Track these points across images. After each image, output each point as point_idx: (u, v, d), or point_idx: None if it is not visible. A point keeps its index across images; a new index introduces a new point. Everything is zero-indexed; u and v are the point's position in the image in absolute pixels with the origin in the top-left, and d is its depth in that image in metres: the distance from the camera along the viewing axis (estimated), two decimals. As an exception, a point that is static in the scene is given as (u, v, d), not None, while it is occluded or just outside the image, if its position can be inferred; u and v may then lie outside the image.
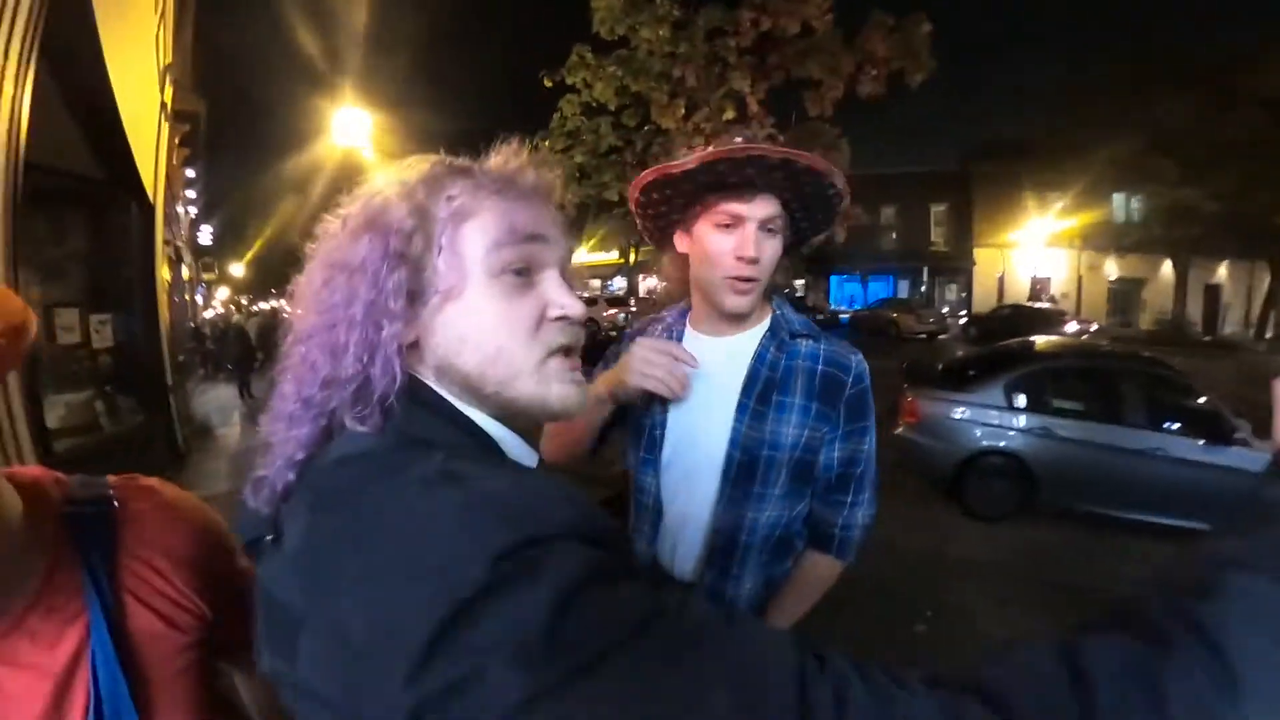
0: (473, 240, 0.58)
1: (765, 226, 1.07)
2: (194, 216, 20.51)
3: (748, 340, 1.19)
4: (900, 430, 5.16)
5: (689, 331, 1.26)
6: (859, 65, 3.68)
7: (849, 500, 1.17)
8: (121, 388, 5.38)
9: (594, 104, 4.08)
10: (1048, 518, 4.66)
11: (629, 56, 3.89)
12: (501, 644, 0.36)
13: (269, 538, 0.55)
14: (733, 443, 1.13)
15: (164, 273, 7.03)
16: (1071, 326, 18.03)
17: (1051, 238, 25.38)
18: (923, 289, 28.86)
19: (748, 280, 1.08)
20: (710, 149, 1.03)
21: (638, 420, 1.25)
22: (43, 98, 2.48)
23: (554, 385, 0.60)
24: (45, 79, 2.52)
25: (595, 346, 1.34)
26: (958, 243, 27.98)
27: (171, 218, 9.36)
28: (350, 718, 0.41)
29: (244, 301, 36.56)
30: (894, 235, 29.94)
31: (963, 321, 21.31)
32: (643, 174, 1.14)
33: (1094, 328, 18.92)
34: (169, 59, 6.38)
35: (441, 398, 0.58)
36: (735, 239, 1.07)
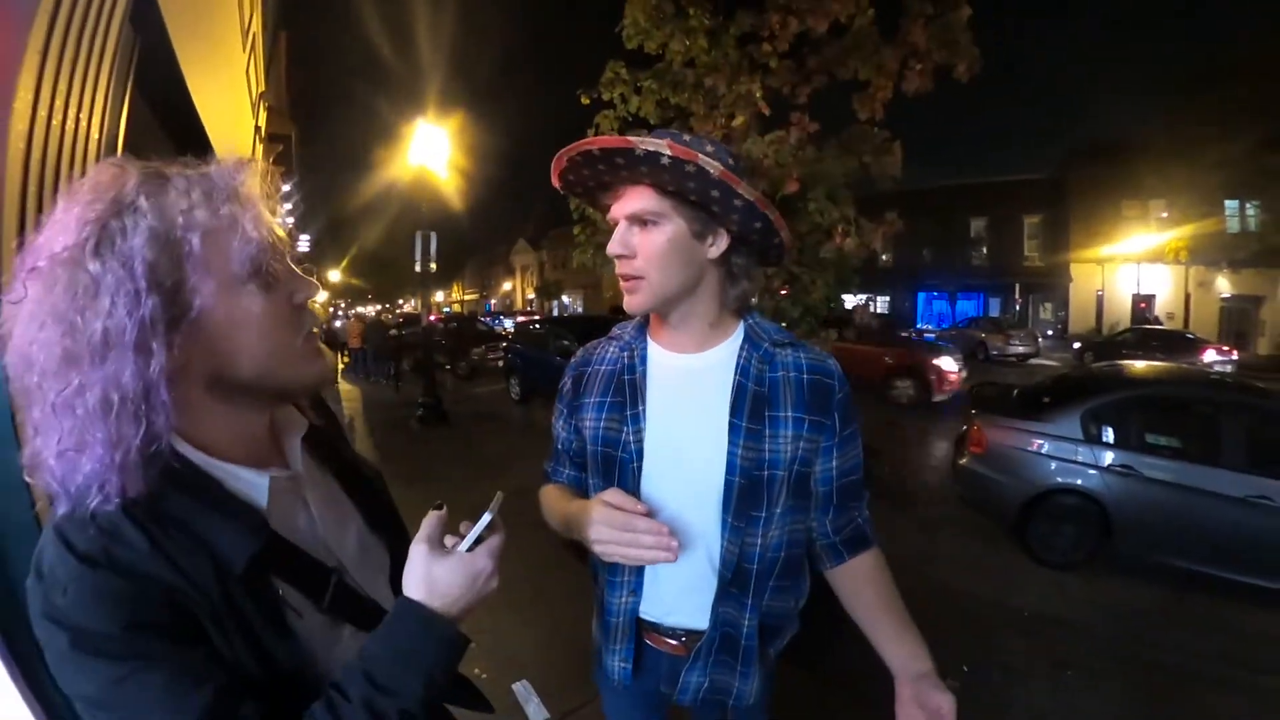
0: (218, 252, 0.62)
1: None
2: (291, 227, 22.95)
3: (723, 354, 1.12)
4: (965, 461, 4.81)
5: (653, 349, 1.17)
6: (904, 61, 3.45)
7: (861, 503, 1.18)
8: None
9: (630, 118, 4.04)
10: (1126, 571, 4.14)
11: (664, 69, 3.83)
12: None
13: None
14: (730, 468, 1.05)
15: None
16: (1209, 355, 15.32)
17: (1155, 251, 22.90)
18: (1016, 307, 27.18)
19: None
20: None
21: (604, 453, 1.16)
22: (145, 127, 2.85)
23: (314, 363, 0.72)
24: (145, 112, 2.89)
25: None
26: (1053, 257, 26.13)
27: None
28: None
29: (341, 305, 39.37)
30: (984, 249, 28.51)
31: (1076, 346, 19.02)
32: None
33: (1235, 357, 15.79)
34: (262, 88, 6.94)
35: (192, 470, 0.65)
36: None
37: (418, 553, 0.73)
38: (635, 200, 1.02)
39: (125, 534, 0.58)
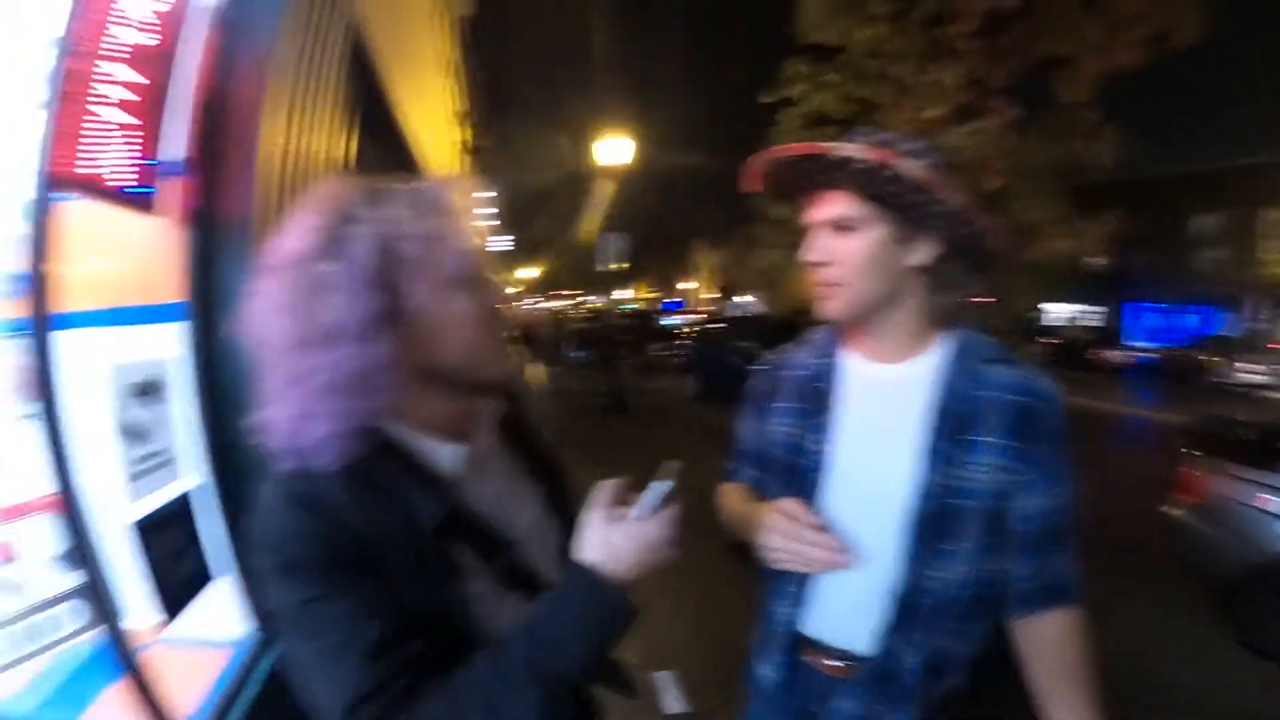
0: (431, 259, 0.71)
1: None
2: (490, 230, 25.51)
3: (923, 366, 1.03)
4: (1174, 510, 4.01)
5: (848, 357, 1.11)
6: (1111, 31, 2.98)
7: (1066, 552, 1.04)
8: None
9: (814, 115, 3.94)
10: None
11: (846, 61, 3.68)
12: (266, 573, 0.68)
13: None
14: (920, 492, 0.98)
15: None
16: None
17: None
18: (1251, 324, 21.45)
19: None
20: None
21: (786, 460, 1.12)
22: (359, 145, 3.54)
23: (505, 362, 0.83)
24: (361, 133, 3.55)
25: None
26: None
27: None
28: None
29: (531, 300, 42.84)
30: (1212, 252, 23.09)
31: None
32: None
33: None
34: (459, 105, 7.90)
35: (393, 439, 0.74)
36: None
37: (594, 517, 0.75)
38: (833, 206, 0.98)
39: (332, 485, 0.68)
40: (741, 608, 1.32)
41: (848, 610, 1.07)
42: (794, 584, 1.11)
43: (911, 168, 0.89)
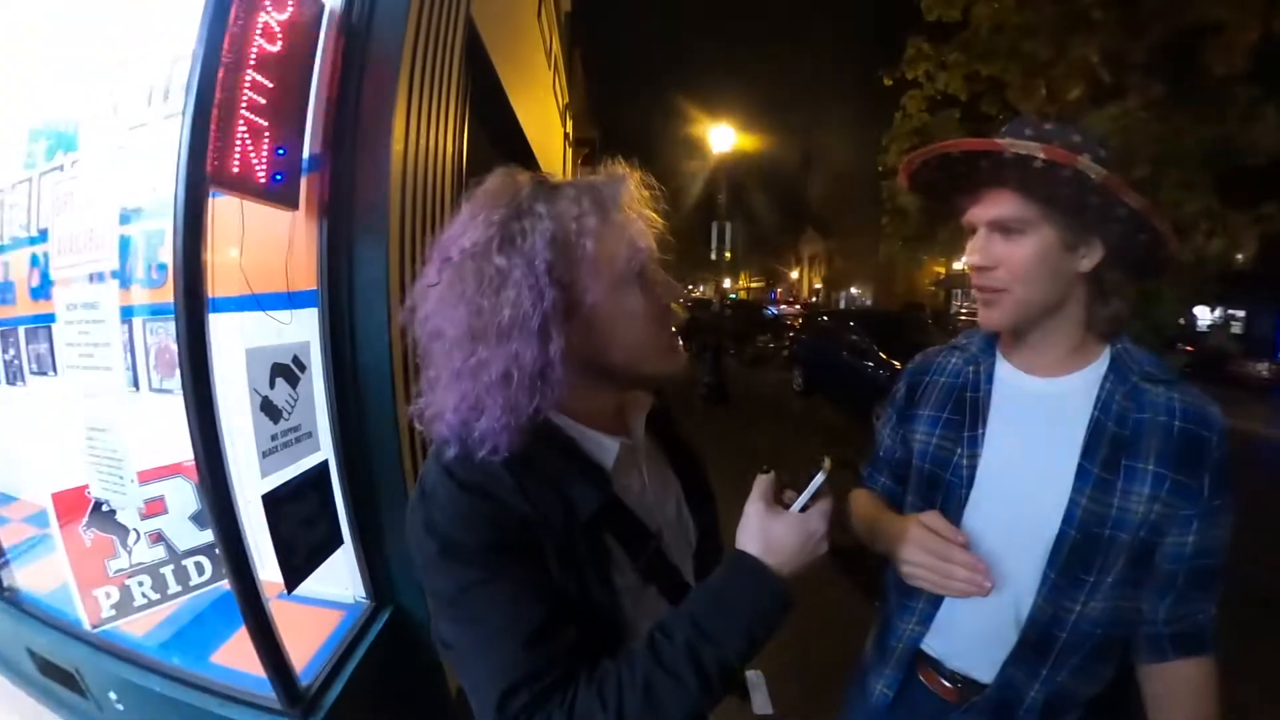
0: (607, 255, 0.69)
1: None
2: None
3: (1082, 382, 0.96)
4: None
5: (1002, 367, 1.04)
6: None
7: (1210, 597, 0.95)
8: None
9: (939, 97, 3.70)
10: None
11: (970, 39, 3.40)
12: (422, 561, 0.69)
13: None
14: (1069, 518, 0.91)
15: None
16: None
17: None
18: None
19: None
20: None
21: (930, 472, 1.08)
22: (476, 140, 3.67)
23: (675, 358, 0.77)
24: (477, 128, 3.64)
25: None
26: None
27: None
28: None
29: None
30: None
31: None
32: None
33: None
34: (566, 99, 8.07)
35: (556, 430, 0.74)
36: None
37: (754, 510, 0.74)
38: (997, 206, 0.91)
39: (497, 472, 0.68)
40: (836, 616, 1.26)
41: (975, 634, 1.02)
42: (922, 601, 1.06)
43: (1093, 168, 0.80)
